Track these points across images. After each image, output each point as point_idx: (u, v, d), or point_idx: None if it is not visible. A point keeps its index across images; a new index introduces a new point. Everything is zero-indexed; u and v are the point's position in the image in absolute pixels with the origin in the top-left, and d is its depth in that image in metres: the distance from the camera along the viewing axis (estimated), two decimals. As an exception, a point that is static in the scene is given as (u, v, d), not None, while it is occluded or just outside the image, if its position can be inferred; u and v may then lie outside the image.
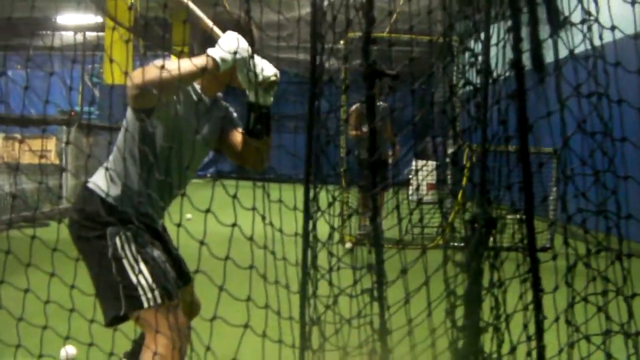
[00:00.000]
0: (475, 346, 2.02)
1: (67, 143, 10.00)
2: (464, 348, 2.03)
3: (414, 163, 9.76)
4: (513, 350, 2.11)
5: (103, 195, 2.76)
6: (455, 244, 2.12)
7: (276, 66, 2.77)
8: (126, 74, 2.51)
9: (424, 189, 10.53)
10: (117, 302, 2.64)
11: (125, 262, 2.66)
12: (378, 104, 8.09)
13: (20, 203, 8.94)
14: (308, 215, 2.01)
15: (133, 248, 2.69)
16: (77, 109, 17.51)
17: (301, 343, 2.11)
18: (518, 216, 2.03)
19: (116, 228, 2.68)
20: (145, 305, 2.62)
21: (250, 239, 2.10)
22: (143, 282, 2.66)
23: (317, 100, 2.28)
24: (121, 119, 2.86)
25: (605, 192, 1.95)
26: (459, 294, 2.00)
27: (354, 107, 8.46)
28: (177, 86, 2.60)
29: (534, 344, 2.06)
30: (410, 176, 10.97)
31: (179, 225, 2.24)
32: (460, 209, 2.19)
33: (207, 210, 2.10)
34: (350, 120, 8.27)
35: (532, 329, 2.06)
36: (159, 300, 2.62)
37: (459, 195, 2.56)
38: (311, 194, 2.18)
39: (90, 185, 2.83)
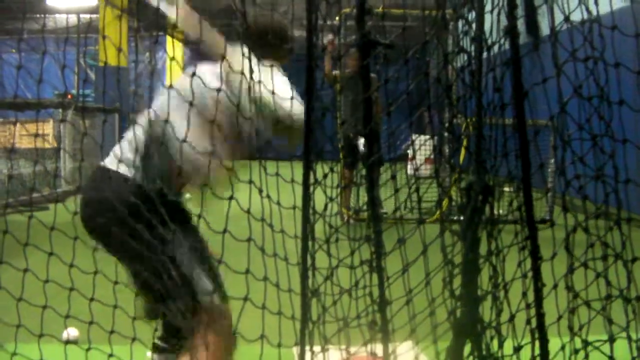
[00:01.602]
0: (474, 315, 2.03)
1: (63, 121, 9.97)
2: (462, 317, 2.03)
3: (410, 138, 9.73)
4: (512, 318, 2.12)
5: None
6: (454, 217, 2.12)
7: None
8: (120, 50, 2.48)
9: (421, 163, 10.51)
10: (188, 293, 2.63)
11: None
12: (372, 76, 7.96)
13: (18, 187, 8.94)
14: (307, 186, 2.00)
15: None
16: (74, 91, 17.44)
17: (302, 314, 2.12)
18: (513, 187, 2.03)
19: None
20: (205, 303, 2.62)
21: (248, 212, 2.10)
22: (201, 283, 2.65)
23: (313, 75, 2.27)
24: (115, 101, 2.83)
25: (603, 157, 1.94)
26: (457, 263, 2.00)
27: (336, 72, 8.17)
28: None
29: (533, 311, 2.06)
30: (408, 151, 10.96)
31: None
32: (458, 179, 2.19)
33: (205, 185, 2.10)
34: (349, 61, 8.02)
35: (531, 296, 2.07)
36: (216, 302, 2.62)
37: (458, 164, 2.55)
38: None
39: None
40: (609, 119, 1.94)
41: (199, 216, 2.25)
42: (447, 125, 2.15)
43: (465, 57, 2.00)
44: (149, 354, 3.70)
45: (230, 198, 2.08)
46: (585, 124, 1.96)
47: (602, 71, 1.96)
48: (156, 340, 3.74)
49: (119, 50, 2.66)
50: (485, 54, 2.00)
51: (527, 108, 1.92)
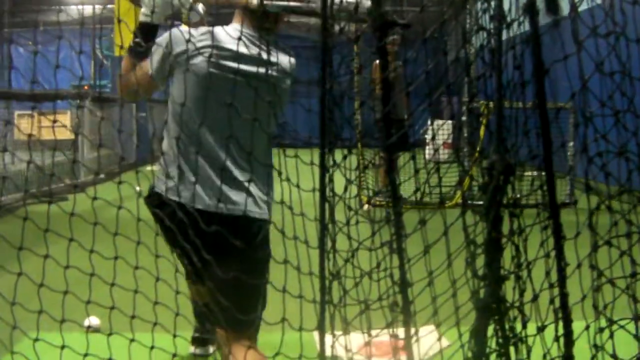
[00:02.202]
0: (497, 295, 2.01)
1: (81, 107, 9.99)
2: (485, 298, 2.01)
3: (429, 122, 9.70)
4: (535, 298, 2.10)
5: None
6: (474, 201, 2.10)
7: (286, 32, 2.77)
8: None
9: (440, 148, 10.47)
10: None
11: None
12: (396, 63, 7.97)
13: (37, 179, 8.99)
14: (325, 168, 1.99)
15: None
16: (91, 82, 17.51)
17: (321, 297, 2.11)
18: (534, 169, 2.00)
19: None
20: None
21: (267, 195, 2.09)
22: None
23: (329, 56, 2.25)
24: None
25: (626, 134, 1.91)
26: (479, 243, 1.99)
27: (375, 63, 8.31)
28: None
29: (556, 291, 2.04)
30: (427, 136, 10.91)
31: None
32: (479, 158, 2.16)
33: (222, 169, 2.09)
34: (374, 76, 8.10)
35: (554, 276, 2.05)
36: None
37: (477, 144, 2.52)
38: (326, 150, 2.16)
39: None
40: (632, 96, 1.92)
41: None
42: (466, 104, 2.12)
43: (485, 35, 1.97)
44: (192, 349, 3.78)
45: (249, 181, 2.07)
46: (607, 101, 1.93)
47: (623, 47, 1.93)
48: (195, 334, 3.81)
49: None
50: (505, 34, 1.98)
51: (548, 86, 1.90)
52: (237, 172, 2.60)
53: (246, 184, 2.52)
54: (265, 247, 2.72)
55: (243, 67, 2.65)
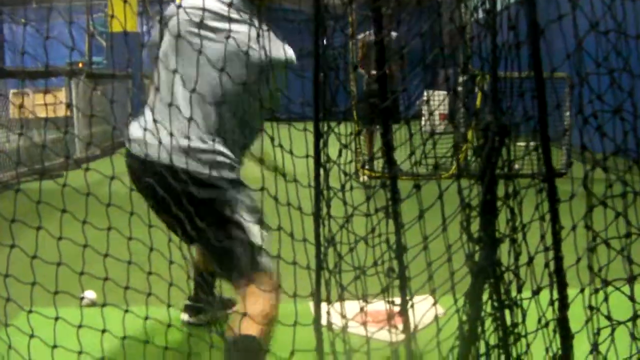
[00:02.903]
0: (492, 258, 2.00)
1: (73, 75, 9.92)
2: (480, 261, 2.01)
3: (425, 93, 9.68)
4: (530, 261, 2.09)
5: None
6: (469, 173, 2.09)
7: (278, 5, 2.76)
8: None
9: (436, 119, 10.45)
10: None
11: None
12: (391, 34, 7.94)
13: (32, 155, 8.96)
14: (318, 134, 1.97)
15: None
16: (84, 59, 17.40)
17: (317, 265, 2.10)
18: (529, 135, 1.98)
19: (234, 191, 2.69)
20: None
21: (260, 160, 2.08)
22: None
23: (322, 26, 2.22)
24: (125, 67, 2.84)
25: (622, 95, 1.89)
26: (474, 206, 1.98)
27: (360, 36, 8.28)
28: None
29: (551, 254, 2.03)
30: (422, 107, 10.87)
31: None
32: (475, 122, 2.15)
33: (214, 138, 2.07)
34: (358, 53, 8.13)
35: (549, 240, 2.04)
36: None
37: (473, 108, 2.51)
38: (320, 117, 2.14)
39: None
40: (627, 55, 1.89)
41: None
42: (461, 67, 2.10)
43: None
44: (183, 315, 3.75)
45: (244, 147, 2.05)
46: (602, 62, 1.91)
47: (619, 5, 1.91)
48: (188, 302, 3.79)
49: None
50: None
51: (544, 47, 1.88)
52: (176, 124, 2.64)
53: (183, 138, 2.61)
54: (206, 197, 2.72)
55: (212, 23, 2.71)
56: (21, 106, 2.67)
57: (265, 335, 2.53)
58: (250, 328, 2.50)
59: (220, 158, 2.62)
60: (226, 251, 2.65)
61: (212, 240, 2.58)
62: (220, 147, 2.62)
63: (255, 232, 2.64)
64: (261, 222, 2.68)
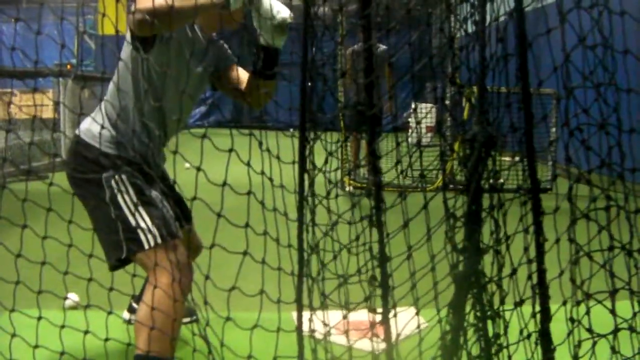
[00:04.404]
0: (476, 269, 2.01)
1: (60, 75, 9.84)
2: (464, 271, 2.01)
3: (412, 105, 9.70)
4: (514, 273, 2.10)
5: (95, 143, 2.73)
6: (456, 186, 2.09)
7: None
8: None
9: (423, 131, 10.47)
10: (119, 246, 2.65)
11: (123, 205, 2.68)
12: (378, 47, 7.98)
13: (17, 157, 8.90)
14: (304, 140, 1.97)
15: (130, 191, 2.69)
16: (73, 61, 17.31)
17: (299, 271, 2.10)
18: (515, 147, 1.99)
19: (111, 172, 2.69)
20: (146, 246, 2.64)
21: (248, 164, 2.07)
22: (142, 224, 2.66)
23: (311, 34, 2.23)
24: (113, 69, 2.83)
25: (607, 109, 1.91)
26: (459, 216, 1.98)
27: (349, 50, 8.32)
28: (186, 17, 2.59)
29: (534, 267, 2.04)
30: (410, 119, 10.89)
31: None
32: (462, 134, 2.16)
33: (203, 136, 2.07)
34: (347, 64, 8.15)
35: (533, 252, 2.04)
36: (159, 240, 2.64)
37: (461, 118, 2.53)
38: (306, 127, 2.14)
39: (82, 135, 2.83)
40: (613, 70, 1.91)
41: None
42: (449, 77, 2.11)
43: (469, 8, 1.96)
44: (125, 314, 3.68)
45: (231, 150, 2.05)
46: (589, 76, 1.92)
47: (606, 21, 1.92)
48: (131, 301, 3.72)
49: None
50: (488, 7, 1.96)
51: (531, 60, 1.89)
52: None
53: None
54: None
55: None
56: (9, 104, 2.66)
57: (154, 340, 2.54)
58: (139, 340, 2.59)
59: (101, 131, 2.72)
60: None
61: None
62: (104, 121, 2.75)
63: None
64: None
